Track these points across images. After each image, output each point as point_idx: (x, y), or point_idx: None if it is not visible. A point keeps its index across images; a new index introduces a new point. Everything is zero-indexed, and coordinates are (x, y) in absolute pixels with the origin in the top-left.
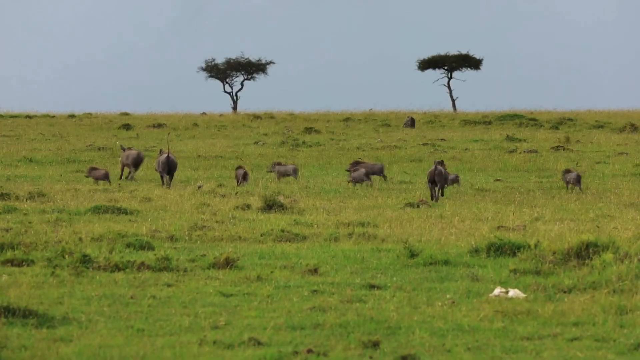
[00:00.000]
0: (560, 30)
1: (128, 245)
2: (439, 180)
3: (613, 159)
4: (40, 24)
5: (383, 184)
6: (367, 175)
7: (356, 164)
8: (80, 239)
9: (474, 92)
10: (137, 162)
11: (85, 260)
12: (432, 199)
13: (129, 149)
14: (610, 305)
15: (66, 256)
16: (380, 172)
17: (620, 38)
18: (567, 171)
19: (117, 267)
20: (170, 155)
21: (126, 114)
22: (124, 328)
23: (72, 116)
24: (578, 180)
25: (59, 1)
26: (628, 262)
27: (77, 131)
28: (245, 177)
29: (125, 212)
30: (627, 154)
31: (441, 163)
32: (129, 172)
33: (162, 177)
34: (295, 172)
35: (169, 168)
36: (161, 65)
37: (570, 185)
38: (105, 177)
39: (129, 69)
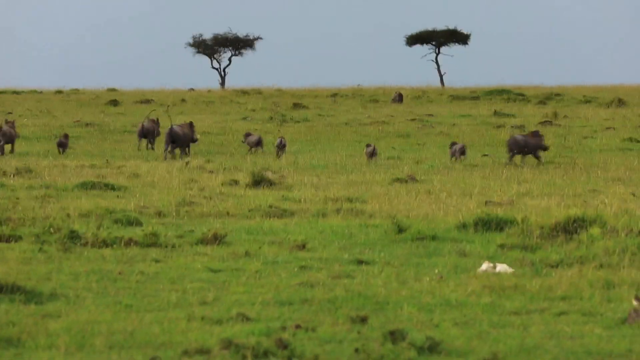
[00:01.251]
0: (548, 5)
1: (116, 221)
2: (510, 148)
3: (600, 133)
4: None
5: (377, 161)
6: (259, 142)
7: (248, 134)
8: (68, 215)
9: (461, 68)
10: (141, 133)
11: (73, 236)
12: (509, 160)
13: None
14: (597, 279)
15: (54, 232)
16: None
17: (608, 13)
18: (454, 143)
19: (105, 243)
20: (173, 126)
21: (113, 89)
22: (112, 304)
23: (60, 92)
24: (463, 152)
25: None
26: (615, 237)
27: (65, 107)
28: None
29: (113, 188)
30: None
31: (529, 133)
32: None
33: (165, 149)
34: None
35: (172, 139)
36: (148, 41)
37: (454, 158)
38: None
39: (116, 45)
